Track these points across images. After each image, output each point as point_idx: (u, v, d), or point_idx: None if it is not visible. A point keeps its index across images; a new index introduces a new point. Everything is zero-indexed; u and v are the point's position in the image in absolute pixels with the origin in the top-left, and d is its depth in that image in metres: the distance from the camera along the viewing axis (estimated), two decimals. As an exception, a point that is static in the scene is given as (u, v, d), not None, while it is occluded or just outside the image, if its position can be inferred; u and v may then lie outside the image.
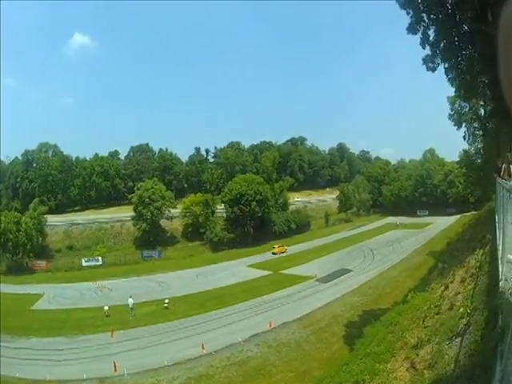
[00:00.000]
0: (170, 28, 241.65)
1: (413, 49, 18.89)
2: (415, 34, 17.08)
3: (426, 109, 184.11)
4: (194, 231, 76.97)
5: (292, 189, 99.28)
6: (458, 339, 10.11)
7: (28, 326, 35.63)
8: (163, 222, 76.79)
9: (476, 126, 44.67)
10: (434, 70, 18.07)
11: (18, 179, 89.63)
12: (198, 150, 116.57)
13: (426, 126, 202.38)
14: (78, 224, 76.17)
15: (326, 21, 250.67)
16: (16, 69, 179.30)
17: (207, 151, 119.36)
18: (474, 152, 52.04)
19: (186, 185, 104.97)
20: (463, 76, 18.34)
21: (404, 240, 67.62)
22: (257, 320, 34.22)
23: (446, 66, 17.99)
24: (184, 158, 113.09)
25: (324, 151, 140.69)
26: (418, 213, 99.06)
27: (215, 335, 31.14)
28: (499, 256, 9.12)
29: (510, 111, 0.89)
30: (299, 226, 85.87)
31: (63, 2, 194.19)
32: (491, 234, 15.97)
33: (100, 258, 66.90)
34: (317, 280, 46.47)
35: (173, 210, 77.02)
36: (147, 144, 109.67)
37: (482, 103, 33.00)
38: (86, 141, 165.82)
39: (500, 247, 9.45)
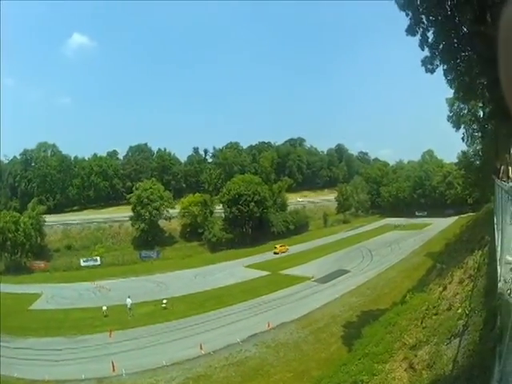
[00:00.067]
0: (169, 28, 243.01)
1: (412, 50, 18.93)
2: (414, 35, 17.11)
3: (424, 110, 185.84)
4: (193, 231, 77.04)
5: (290, 189, 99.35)
6: (457, 340, 10.12)
7: (26, 325, 35.58)
8: (161, 222, 76.83)
9: (475, 127, 44.79)
10: (432, 71, 18.11)
11: (17, 179, 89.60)
12: (196, 150, 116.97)
13: (425, 128, 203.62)
14: (77, 224, 76.14)
15: (324, 21, 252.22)
16: (15, 69, 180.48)
17: (206, 151, 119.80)
18: (472, 153, 52.21)
19: (184, 185, 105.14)
20: (462, 77, 18.38)
21: (402, 241, 67.69)
22: (255, 320, 34.21)
23: (445, 67, 18.02)
24: (182, 158, 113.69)
25: (322, 152, 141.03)
26: (417, 214, 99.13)
27: (213, 335, 31.11)
28: (498, 257, 9.14)
29: (509, 112, 0.89)
30: (297, 227, 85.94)
31: (62, 2, 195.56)
32: (490, 235, 16.02)
33: (98, 258, 66.86)
34: (315, 280, 46.47)
35: (171, 210, 77.14)
36: (146, 144, 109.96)
37: (480, 105, 33.08)
38: (84, 141, 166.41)
39: (499, 248, 9.47)
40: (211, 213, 79.15)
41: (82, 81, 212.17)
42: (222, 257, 66.44)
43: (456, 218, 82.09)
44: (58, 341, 32.16)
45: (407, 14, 16.94)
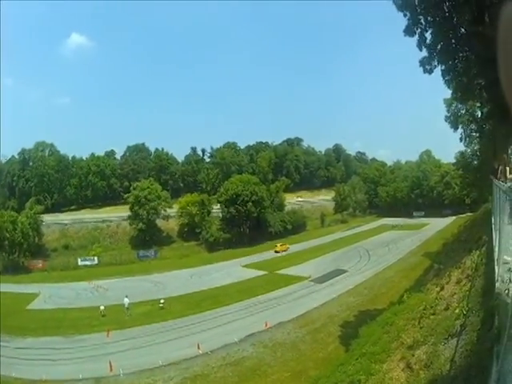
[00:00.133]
0: (168, 28, 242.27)
1: (410, 50, 18.96)
2: (412, 36, 17.13)
3: (422, 110, 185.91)
4: (190, 231, 76.98)
5: (288, 189, 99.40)
6: (454, 340, 10.14)
7: (24, 325, 35.48)
8: (159, 222, 76.80)
9: (472, 127, 44.86)
10: (430, 72, 18.13)
11: (15, 178, 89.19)
12: (194, 149, 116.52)
13: (423, 128, 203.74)
14: (74, 223, 76.03)
15: (323, 21, 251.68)
16: (14, 69, 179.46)
17: (203, 151, 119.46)
18: (470, 154, 52.28)
19: (181, 185, 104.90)
20: (460, 78, 18.40)
21: (400, 241, 67.75)
22: (252, 320, 34.19)
23: (443, 67, 18.04)
24: (180, 158, 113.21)
25: (320, 152, 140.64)
26: (414, 214, 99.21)
27: (211, 335, 31.07)
28: (495, 257, 9.18)
29: (507, 112, 0.89)
30: (295, 227, 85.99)
31: (60, 2, 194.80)
32: (487, 235, 16.05)
33: (96, 258, 66.84)
34: (312, 280, 46.48)
35: (169, 210, 77.12)
36: (143, 144, 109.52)
37: (478, 105, 33.12)
38: (82, 140, 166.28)
39: (496, 248, 9.51)
40: (209, 212, 79.21)
41: (80, 81, 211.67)
42: (219, 256, 66.35)
43: (454, 218, 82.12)
44: (55, 340, 32.12)
45: (405, 15, 16.96)
